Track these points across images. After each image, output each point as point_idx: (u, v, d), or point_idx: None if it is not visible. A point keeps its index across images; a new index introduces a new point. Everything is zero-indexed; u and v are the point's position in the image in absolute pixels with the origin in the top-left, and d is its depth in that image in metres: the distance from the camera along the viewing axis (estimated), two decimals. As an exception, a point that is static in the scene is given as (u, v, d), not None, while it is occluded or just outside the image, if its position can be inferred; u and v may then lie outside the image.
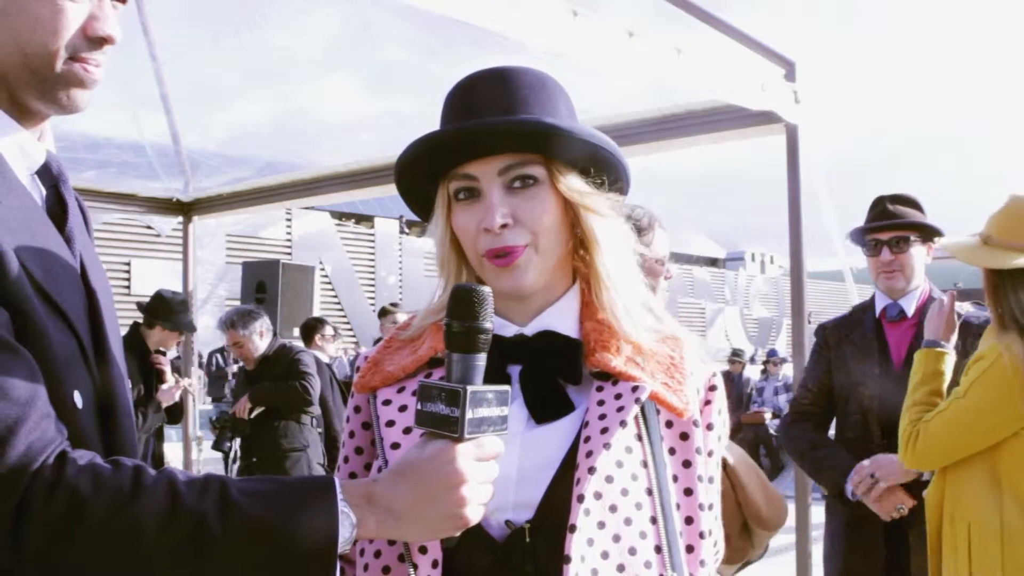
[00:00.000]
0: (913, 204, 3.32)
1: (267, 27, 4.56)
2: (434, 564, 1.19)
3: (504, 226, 1.24)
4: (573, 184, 1.28)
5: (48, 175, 1.26)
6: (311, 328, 7.53)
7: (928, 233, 3.27)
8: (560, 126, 1.25)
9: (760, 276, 49.22)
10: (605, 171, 1.32)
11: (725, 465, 2.61)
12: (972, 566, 2.51)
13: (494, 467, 1.14)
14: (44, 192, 1.26)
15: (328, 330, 7.60)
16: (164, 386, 5.55)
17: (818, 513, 3.51)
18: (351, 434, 1.41)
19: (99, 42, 1.20)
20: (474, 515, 1.12)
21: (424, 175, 1.32)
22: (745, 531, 2.61)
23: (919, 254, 3.27)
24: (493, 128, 1.24)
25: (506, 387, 1.14)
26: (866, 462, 3.09)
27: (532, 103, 1.28)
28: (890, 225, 3.27)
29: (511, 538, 1.22)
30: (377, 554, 1.26)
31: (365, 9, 4.65)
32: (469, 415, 1.08)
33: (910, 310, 3.25)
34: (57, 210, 1.26)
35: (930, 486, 2.72)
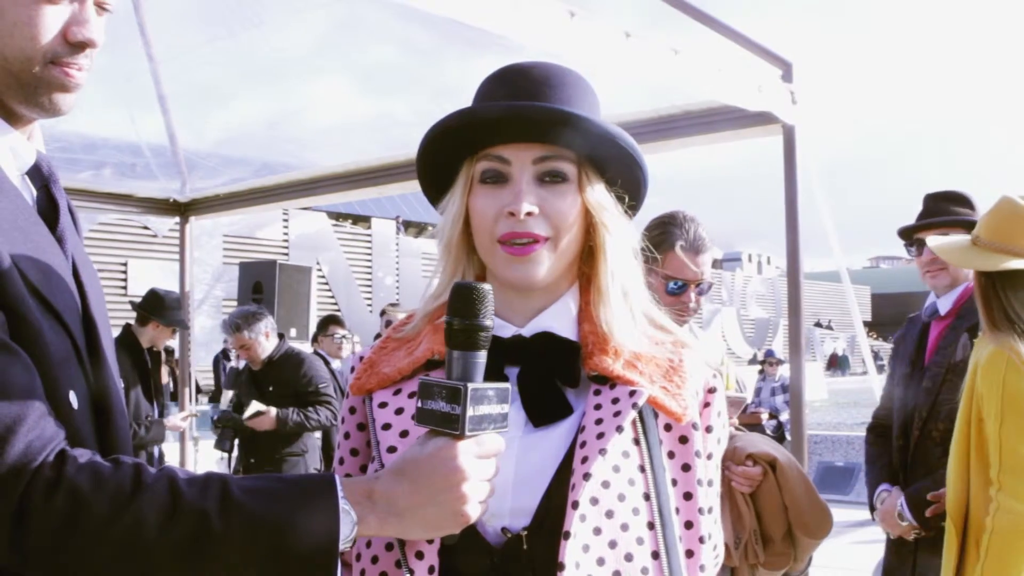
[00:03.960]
0: (960, 201, 3.26)
1: (263, 27, 4.56)
2: (431, 570, 1.18)
3: (529, 214, 1.23)
4: (598, 193, 1.28)
5: (39, 175, 1.25)
6: (324, 324, 7.59)
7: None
8: (610, 130, 1.25)
9: (757, 277, 49.28)
10: (629, 183, 1.32)
11: (775, 465, 2.56)
12: (986, 564, 2.49)
13: (494, 464, 1.14)
14: (35, 192, 1.25)
15: (339, 331, 7.56)
16: (181, 414, 6.01)
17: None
18: (346, 435, 1.40)
19: (80, 47, 1.18)
20: (475, 512, 1.11)
21: (452, 149, 1.29)
22: (788, 537, 2.57)
23: None
24: (543, 113, 1.23)
25: (506, 384, 1.13)
26: (879, 502, 3.17)
27: (576, 103, 1.27)
28: (933, 223, 3.22)
29: (508, 545, 1.21)
30: (374, 559, 1.25)
31: (361, 10, 4.65)
32: (470, 412, 1.08)
33: (944, 308, 3.21)
34: (48, 210, 1.25)
35: (952, 485, 2.65)
